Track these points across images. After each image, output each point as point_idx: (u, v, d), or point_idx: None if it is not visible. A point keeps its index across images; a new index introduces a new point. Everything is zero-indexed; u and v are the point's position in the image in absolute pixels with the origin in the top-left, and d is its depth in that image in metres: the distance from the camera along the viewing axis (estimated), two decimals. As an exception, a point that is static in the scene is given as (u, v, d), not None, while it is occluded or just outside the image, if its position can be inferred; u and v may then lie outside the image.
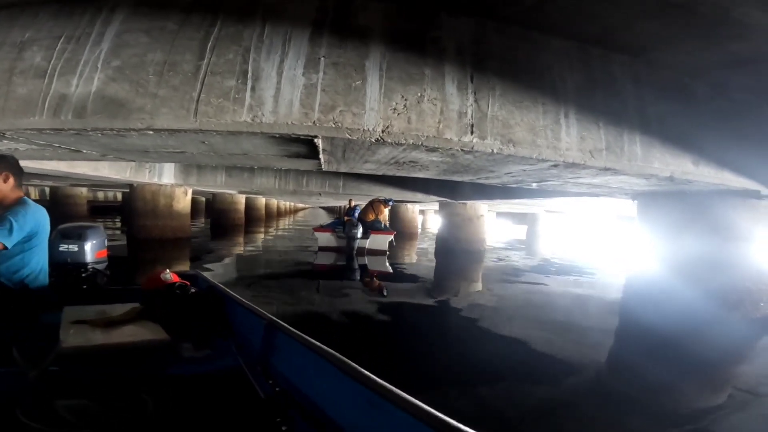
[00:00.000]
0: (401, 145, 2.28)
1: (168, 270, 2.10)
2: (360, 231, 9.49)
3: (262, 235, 14.43)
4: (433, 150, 2.43)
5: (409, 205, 15.35)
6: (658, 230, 4.10)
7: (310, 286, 6.65)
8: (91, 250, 2.31)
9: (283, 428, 1.20)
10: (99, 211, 19.08)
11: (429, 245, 12.24)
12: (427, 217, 22.97)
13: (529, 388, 2.76)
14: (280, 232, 16.30)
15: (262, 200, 20.93)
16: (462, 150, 2.29)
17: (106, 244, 2.44)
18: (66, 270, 2.15)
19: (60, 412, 1.23)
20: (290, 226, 19.23)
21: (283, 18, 2.17)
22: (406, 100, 2.15)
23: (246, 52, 2.11)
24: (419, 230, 17.38)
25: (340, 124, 2.08)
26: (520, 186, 4.72)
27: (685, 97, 2.85)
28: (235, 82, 2.07)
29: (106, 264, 2.38)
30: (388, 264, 9.02)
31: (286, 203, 29.83)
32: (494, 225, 19.85)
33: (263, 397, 1.40)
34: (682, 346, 3.57)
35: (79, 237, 2.31)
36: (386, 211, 10.43)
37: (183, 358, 1.69)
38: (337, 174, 8.66)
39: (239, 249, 10.39)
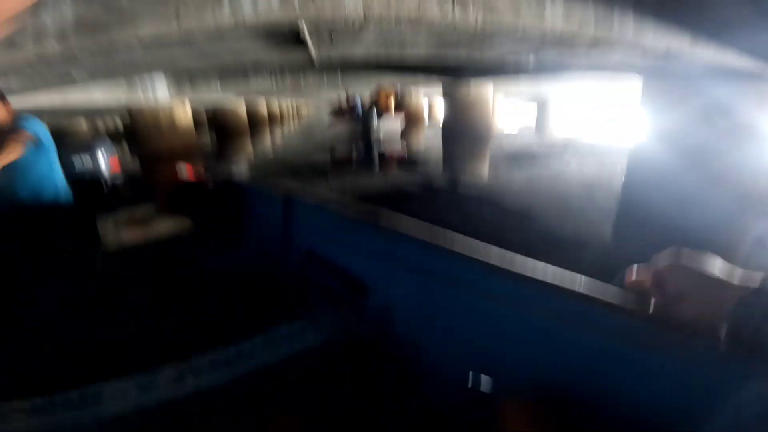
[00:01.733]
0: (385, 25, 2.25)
1: (182, 165, 2.11)
2: (375, 119, 9.54)
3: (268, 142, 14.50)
4: (417, 27, 2.38)
5: (413, 90, 14.70)
6: (660, 111, 4.01)
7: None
8: (105, 163, 2.33)
9: (314, 289, 1.31)
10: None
11: (436, 133, 12.11)
12: (434, 102, 22.17)
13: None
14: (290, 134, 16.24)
15: (263, 105, 20.25)
16: (445, 25, 2.25)
17: (115, 153, 2.45)
18: (88, 186, 2.19)
19: (127, 303, 1.46)
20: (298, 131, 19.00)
21: None
22: (383, -23, 2.06)
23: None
24: (426, 117, 16.97)
25: (321, 10, 2.04)
26: (520, 63, 4.54)
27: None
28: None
29: (121, 176, 2.44)
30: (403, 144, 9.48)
31: (289, 106, 28.63)
32: (505, 109, 19.06)
33: (291, 267, 1.50)
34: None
35: (90, 149, 2.29)
36: (393, 94, 10.29)
37: (210, 246, 1.80)
38: (334, 69, 8.24)
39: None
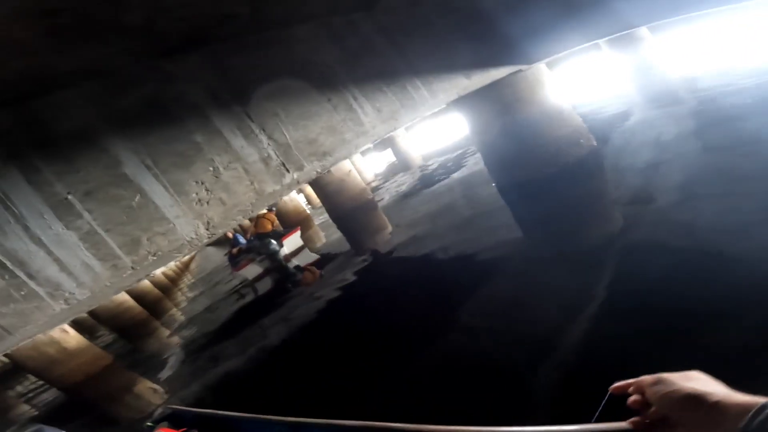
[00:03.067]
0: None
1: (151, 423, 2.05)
2: (274, 243, 9.37)
3: (177, 312, 13.24)
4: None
5: (285, 198, 14.62)
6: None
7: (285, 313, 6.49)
8: None
9: None
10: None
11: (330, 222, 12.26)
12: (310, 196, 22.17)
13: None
14: (194, 295, 14.99)
15: (146, 282, 18.51)
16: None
17: None
18: None
19: None
20: (198, 284, 17.60)
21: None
22: (203, 185, 1.96)
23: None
24: (309, 213, 17.10)
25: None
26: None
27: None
28: None
29: None
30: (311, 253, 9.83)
31: (172, 266, 26.67)
32: (367, 166, 20.10)
33: None
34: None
35: None
36: (273, 216, 10.27)
37: None
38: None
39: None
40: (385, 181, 15.60)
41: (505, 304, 3.75)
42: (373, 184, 16.04)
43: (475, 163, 9.08)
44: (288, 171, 2.14)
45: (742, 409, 0.44)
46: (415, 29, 3.01)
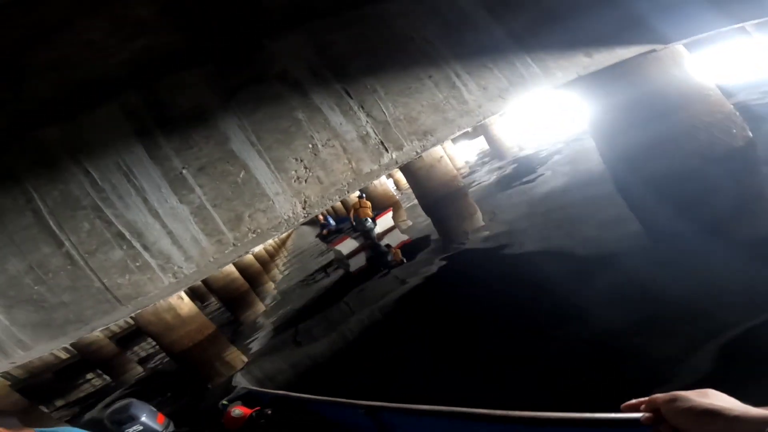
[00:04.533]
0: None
1: (232, 406, 2.11)
2: (370, 221, 9.82)
3: (273, 286, 14.44)
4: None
5: (375, 183, 14.95)
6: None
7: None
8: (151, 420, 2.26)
9: None
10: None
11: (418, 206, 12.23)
12: (399, 179, 22.31)
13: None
14: (289, 271, 16.23)
15: (248, 256, 20.43)
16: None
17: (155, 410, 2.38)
18: None
19: None
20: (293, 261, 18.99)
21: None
22: (302, 162, 1.91)
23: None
24: (397, 197, 17.15)
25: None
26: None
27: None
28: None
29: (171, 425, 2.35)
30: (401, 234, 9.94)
31: (270, 242, 29.17)
32: (460, 154, 19.46)
33: None
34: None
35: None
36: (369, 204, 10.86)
37: None
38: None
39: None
40: (476, 170, 14.94)
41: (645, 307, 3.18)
42: (464, 172, 15.44)
43: (581, 155, 8.13)
44: (387, 150, 2.00)
45: (761, 421, 0.45)
46: (523, 2, 2.64)
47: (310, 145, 1.94)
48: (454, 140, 18.41)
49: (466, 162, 18.96)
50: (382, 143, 2.01)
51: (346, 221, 11.42)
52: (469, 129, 2.75)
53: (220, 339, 8.64)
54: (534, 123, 18.68)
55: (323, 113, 1.99)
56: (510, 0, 2.63)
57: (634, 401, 0.63)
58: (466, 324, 3.99)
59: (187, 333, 8.74)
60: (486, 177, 12.47)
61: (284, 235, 30.75)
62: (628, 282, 3.48)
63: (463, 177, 13.40)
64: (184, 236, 1.80)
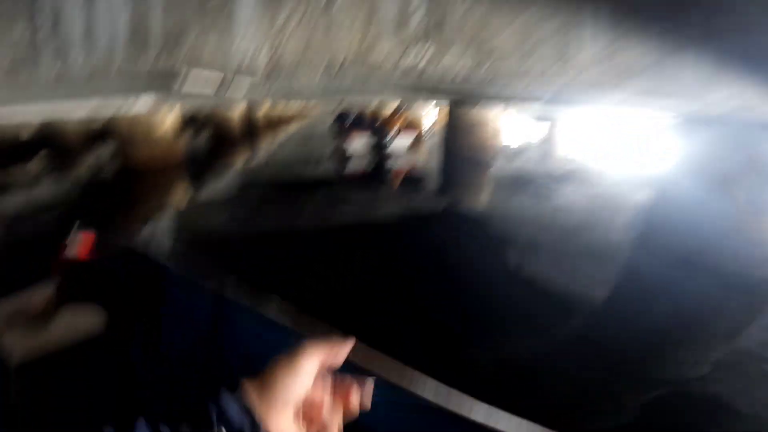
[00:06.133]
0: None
1: (76, 236, 1.66)
2: (391, 133, 9.57)
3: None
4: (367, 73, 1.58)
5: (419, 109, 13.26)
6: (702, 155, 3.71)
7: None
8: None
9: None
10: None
11: (439, 153, 11.31)
12: (439, 121, 20.71)
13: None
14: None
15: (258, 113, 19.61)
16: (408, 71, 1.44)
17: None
18: None
19: None
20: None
21: None
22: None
23: None
24: (428, 136, 15.98)
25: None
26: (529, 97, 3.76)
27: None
28: None
29: None
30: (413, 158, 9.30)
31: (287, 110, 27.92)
32: (511, 127, 17.84)
33: (213, 373, 1.27)
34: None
35: None
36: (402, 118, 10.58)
37: (121, 341, 1.46)
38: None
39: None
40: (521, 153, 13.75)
41: None
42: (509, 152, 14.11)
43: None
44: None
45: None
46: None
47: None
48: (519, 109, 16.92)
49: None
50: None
51: (365, 124, 10.90)
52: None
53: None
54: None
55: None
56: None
57: None
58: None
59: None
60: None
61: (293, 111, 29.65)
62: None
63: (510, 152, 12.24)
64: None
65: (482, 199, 6.97)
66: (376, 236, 4.72)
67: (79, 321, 1.47)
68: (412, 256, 4.07)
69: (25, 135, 16.98)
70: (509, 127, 16.66)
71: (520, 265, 3.88)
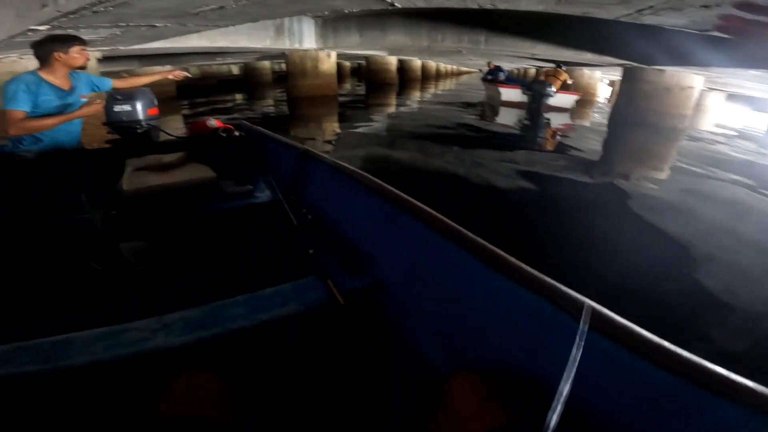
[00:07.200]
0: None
1: (212, 117, 2.29)
2: (552, 89, 9.28)
3: (418, 94, 13.94)
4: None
5: (585, 70, 12.40)
6: None
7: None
8: (143, 109, 2.34)
9: (310, 251, 1.25)
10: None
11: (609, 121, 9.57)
12: (614, 87, 17.96)
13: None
14: (440, 92, 15.34)
15: (417, 62, 19.96)
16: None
17: (155, 104, 2.44)
18: (122, 127, 2.24)
19: (123, 253, 1.44)
20: (453, 89, 17.69)
21: None
22: None
23: None
24: (598, 99, 13.88)
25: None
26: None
27: None
28: None
29: (157, 120, 2.43)
30: (570, 119, 8.85)
31: (446, 66, 27.95)
32: (719, 109, 14.21)
33: (296, 224, 1.46)
34: None
35: (130, 98, 2.34)
36: (567, 76, 9.93)
37: (226, 194, 1.85)
38: (475, 27, 7.22)
39: (392, 108, 10.34)
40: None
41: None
42: (700, 126, 11.20)
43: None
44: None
45: None
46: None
47: None
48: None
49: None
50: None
51: (516, 82, 10.61)
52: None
53: (332, 105, 9.40)
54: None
55: None
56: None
57: None
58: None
59: (313, 84, 9.85)
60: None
61: (465, 69, 29.34)
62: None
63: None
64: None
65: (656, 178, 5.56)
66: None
67: (195, 171, 1.84)
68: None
69: (233, 72, 21.36)
70: (706, 104, 13.17)
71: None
